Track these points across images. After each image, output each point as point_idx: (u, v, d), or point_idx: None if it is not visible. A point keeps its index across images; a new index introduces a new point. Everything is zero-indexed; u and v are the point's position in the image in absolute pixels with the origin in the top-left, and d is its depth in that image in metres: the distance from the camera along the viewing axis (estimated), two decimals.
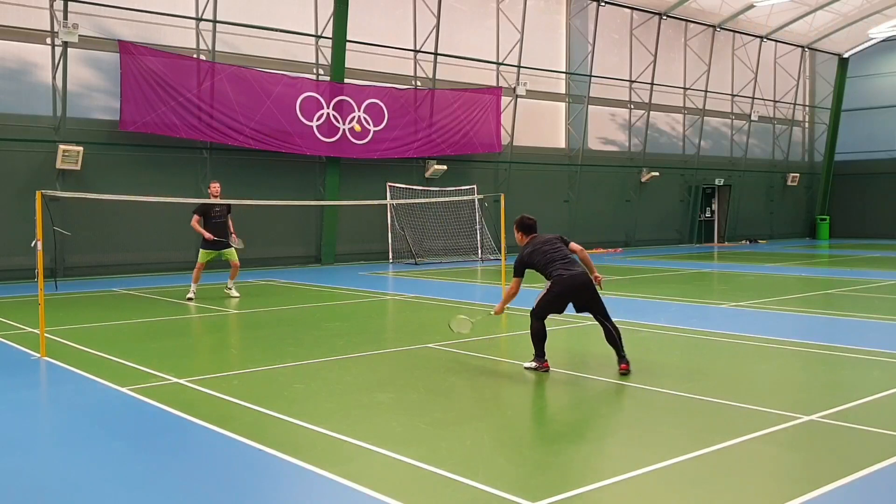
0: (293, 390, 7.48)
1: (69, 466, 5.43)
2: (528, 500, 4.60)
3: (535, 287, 15.96)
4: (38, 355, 9.00)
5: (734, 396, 6.99)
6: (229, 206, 14.44)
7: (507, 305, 8.66)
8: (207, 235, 13.99)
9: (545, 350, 8.17)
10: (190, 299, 14.05)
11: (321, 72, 22.51)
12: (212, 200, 14.25)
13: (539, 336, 8.15)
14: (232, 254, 14.35)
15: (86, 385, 7.71)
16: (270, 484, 5.01)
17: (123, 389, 7.41)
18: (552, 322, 10.81)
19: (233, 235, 14.40)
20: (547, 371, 8.09)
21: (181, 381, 7.76)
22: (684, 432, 6.02)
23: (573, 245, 8.34)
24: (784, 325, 11.25)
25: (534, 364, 8.17)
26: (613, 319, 8.16)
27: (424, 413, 6.67)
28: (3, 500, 4.76)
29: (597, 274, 8.31)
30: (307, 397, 7.27)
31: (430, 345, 9.63)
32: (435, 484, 4.97)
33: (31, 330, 10.68)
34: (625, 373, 7.85)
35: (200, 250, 14.27)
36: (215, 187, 14.47)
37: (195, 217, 14.11)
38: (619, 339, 8.00)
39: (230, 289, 14.69)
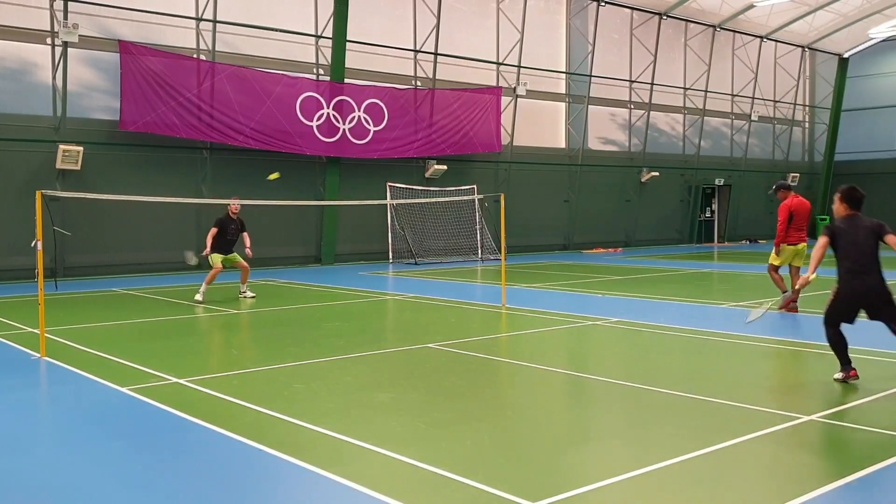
0: (293, 390, 7.48)
1: (69, 466, 5.42)
2: (528, 500, 4.59)
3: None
4: (38, 355, 8.99)
5: (734, 396, 6.98)
6: (243, 223, 14.62)
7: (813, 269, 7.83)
8: (207, 251, 14.11)
9: (849, 357, 7.46)
10: (199, 302, 13.69)
11: (321, 72, 22.52)
12: (231, 217, 14.41)
13: (836, 344, 7.48)
14: (237, 257, 14.50)
15: (86, 385, 7.71)
16: (270, 484, 5.01)
17: (123, 389, 7.41)
18: (551, 322, 10.82)
19: (247, 250, 14.52)
20: (856, 379, 7.40)
21: (181, 381, 7.76)
22: (684, 432, 6.01)
23: (889, 238, 7.27)
24: (784, 325, 11.24)
25: (840, 375, 7.48)
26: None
27: (424, 413, 6.66)
28: (3, 500, 4.76)
29: None
30: (307, 397, 7.26)
31: (430, 345, 9.62)
32: (435, 484, 4.97)
33: (31, 330, 10.67)
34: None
35: (212, 255, 14.17)
36: (236, 206, 14.42)
37: (214, 230, 14.20)
38: None
39: (244, 292, 14.57)
